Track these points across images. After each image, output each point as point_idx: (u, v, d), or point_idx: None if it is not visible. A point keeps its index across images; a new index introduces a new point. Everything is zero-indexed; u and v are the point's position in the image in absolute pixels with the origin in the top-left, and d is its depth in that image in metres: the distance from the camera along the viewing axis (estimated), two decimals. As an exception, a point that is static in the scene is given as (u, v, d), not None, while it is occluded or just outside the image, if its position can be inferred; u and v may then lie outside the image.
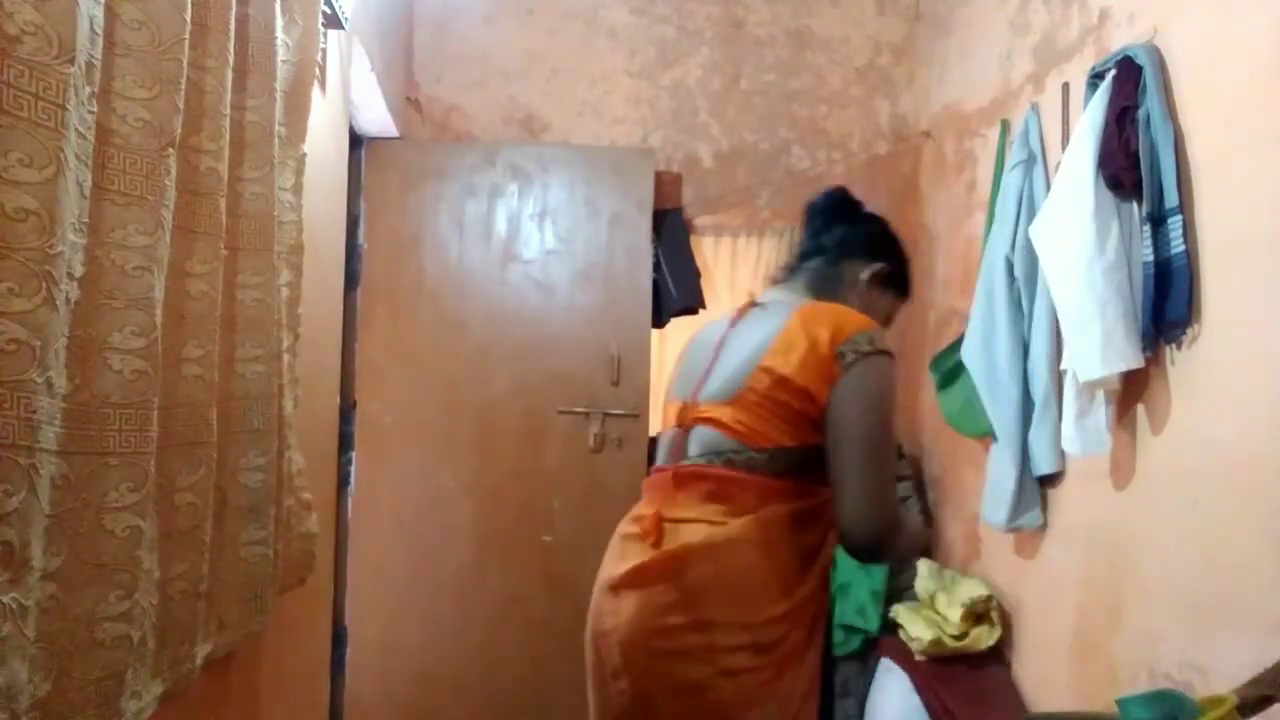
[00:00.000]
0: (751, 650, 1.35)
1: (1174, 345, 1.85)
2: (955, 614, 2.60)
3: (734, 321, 1.58)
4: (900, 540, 1.41)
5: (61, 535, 1.04)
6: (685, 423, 1.51)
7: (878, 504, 1.36)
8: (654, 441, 3.22)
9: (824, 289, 1.60)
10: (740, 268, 3.54)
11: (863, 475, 1.36)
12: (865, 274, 1.61)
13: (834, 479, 1.39)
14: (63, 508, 1.04)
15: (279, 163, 1.62)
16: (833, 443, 1.39)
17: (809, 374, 1.39)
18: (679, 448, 1.51)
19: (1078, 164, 1.98)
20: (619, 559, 1.46)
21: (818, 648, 1.47)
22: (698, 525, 1.40)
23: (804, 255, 1.66)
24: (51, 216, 0.95)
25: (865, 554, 1.39)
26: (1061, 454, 2.26)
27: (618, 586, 1.42)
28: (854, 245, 1.64)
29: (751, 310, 1.58)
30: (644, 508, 1.51)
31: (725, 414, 1.45)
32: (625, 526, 1.53)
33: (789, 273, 1.66)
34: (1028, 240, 2.26)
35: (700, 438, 1.48)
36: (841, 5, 3.63)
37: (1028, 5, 2.62)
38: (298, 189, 1.76)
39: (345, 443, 3.06)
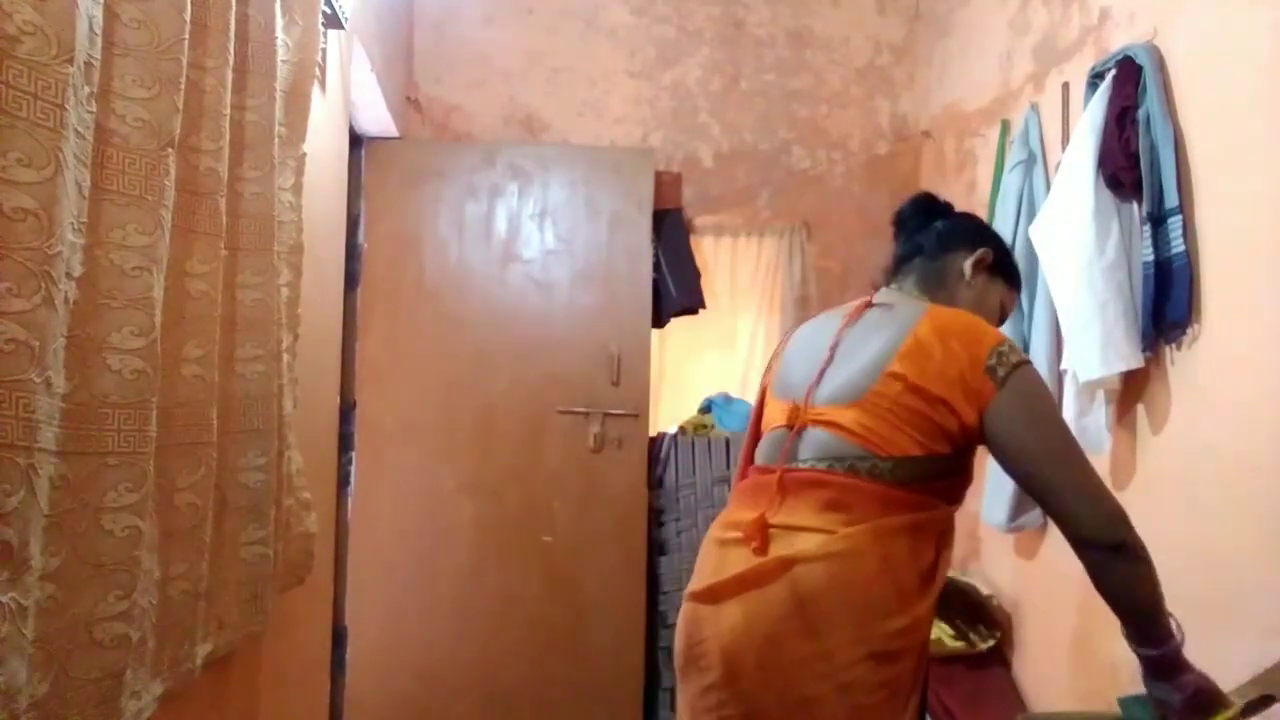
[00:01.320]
0: (870, 663, 1.28)
1: (1174, 345, 1.85)
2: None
3: (850, 320, 1.49)
4: (1141, 552, 1.30)
5: (60, 535, 1.04)
6: (796, 424, 1.42)
7: (1096, 498, 1.29)
8: (655, 441, 3.24)
9: (932, 285, 1.54)
10: (740, 268, 3.54)
11: (1072, 483, 1.29)
12: (969, 263, 1.55)
13: (1040, 495, 1.33)
14: (62, 508, 1.04)
15: (279, 163, 1.62)
16: (1015, 464, 1.33)
17: (948, 386, 1.32)
18: (787, 450, 1.42)
19: (1078, 164, 1.98)
20: (717, 566, 1.39)
21: (922, 680, 1.40)
22: (812, 534, 1.32)
23: (903, 258, 1.60)
24: (50, 216, 0.94)
25: (1109, 550, 1.28)
26: (1061, 454, 2.25)
27: (720, 594, 1.34)
28: (952, 238, 1.58)
29: (869, 311, 1.50)
30: (742, 512, 1.42)
31: (847, 418, 1.37)
32: (720, 532, 1.45)
33: (891, 275, 1.60)
34: (1028, 240, 2.26)
35: (815, 441, 1.40)
36: (841, 5, 3.63)
37: (1028, 5, 2.62)
38: (297, 189, 1.75)
39: (345, 443, 3.05)
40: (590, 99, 3.56)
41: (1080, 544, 1.30)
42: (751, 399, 3.40)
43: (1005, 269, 1.61)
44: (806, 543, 1.32)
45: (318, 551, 2.03)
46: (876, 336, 1.42)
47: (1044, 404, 1.36)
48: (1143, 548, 1.29)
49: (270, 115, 1.56)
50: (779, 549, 1.33)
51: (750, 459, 1.61)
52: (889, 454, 1.34)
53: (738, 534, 1.38)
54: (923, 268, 1.56)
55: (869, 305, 1.51)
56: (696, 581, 1.42)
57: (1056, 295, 2.08)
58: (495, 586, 3.19)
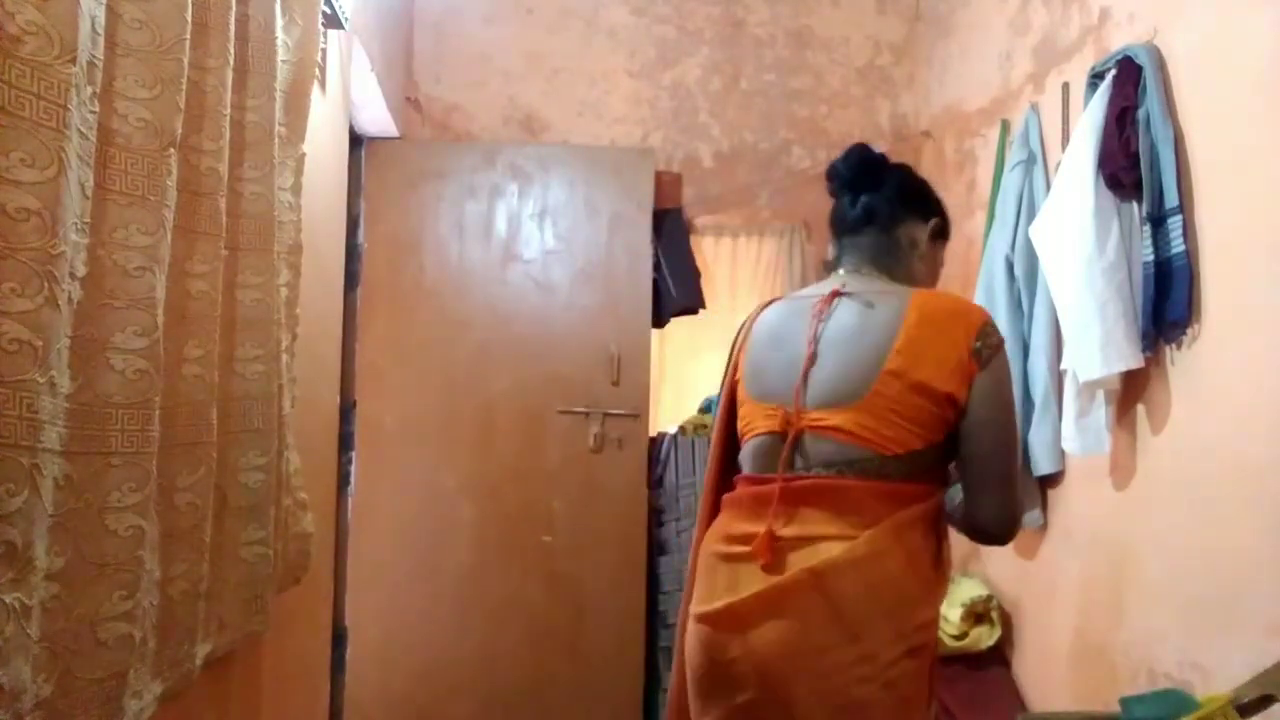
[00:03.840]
0: (908, 657, 1.32)
1: (1174, 345, 1.85)
2: (955, 614, 2.60)
3: (820, 313, 1.45)
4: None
5: (64, 535, 1.04)
6: (792, 431, 1.39)
7: (1015, 503, 1.39)
8: (655, 441, 3.24)
9: (888, 260, 1.51)
10: (740, 268, 3.54)
11: (1005, 476, 1.37)
12: (924, 234, 1.54)
13: (972, 478, 1.37)
14: (66, 508, 1.04)
15: (279, 163, 1.62)
16: (975, 443, 1.36)
17: (950, 377, 1.34)
18: (785, 459, 1.39)
19: (1078, 164, 1.98)
20: (729, 584, 1.36)
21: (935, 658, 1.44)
22: (834, 542, 1.31)
23: (852, 228, 1.54)
24: (53, 216, 0.95)
25: (995, 539, 1.41)
26: (1061, 454, 2.26)
27: (745, 615, 1.32)
28: (906, 206, 1.54)
29: (840, 301, 1.45)
30: (741, 524, 1.40)
31: (848, 421, 1.35)
32: (723, 546, 1.42)
33: (840, 249, 1.56)
34: (1028, 240, 2.26)
35: (816, 447, 1.38)
36: (841, 5, 3.63)
37: (1028, 5, 2.62)
38: (297, 189, 1.75)
39: (345, 443, 3.05)
40: (590, 99, 3.56)
41: (975, 529, 1.40)
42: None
43: (946, 229, 1.61)
44: (830, 551, 1.31)
45: (317, 551, 2.03)
46: (863, 333, 1.39)
47: (1010, 392, 1.40)
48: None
49: (270, 115, 1.56)
50: (801, 560, 1.32)
51: (722, 463, 1.57)
52: (894, 452, 1.34)
53: (744, 548, 1.36)
54: (875, 240, 1.52)
55: (838, 295, 1.46)
56: (707, 601, 1.39)
57: (1056, 295, 2.08)
58: (495, 586, 3.19)
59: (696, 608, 1.41)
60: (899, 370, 1.34)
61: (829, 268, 1.58)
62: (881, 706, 1.29)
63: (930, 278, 1.58)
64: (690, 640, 1.41)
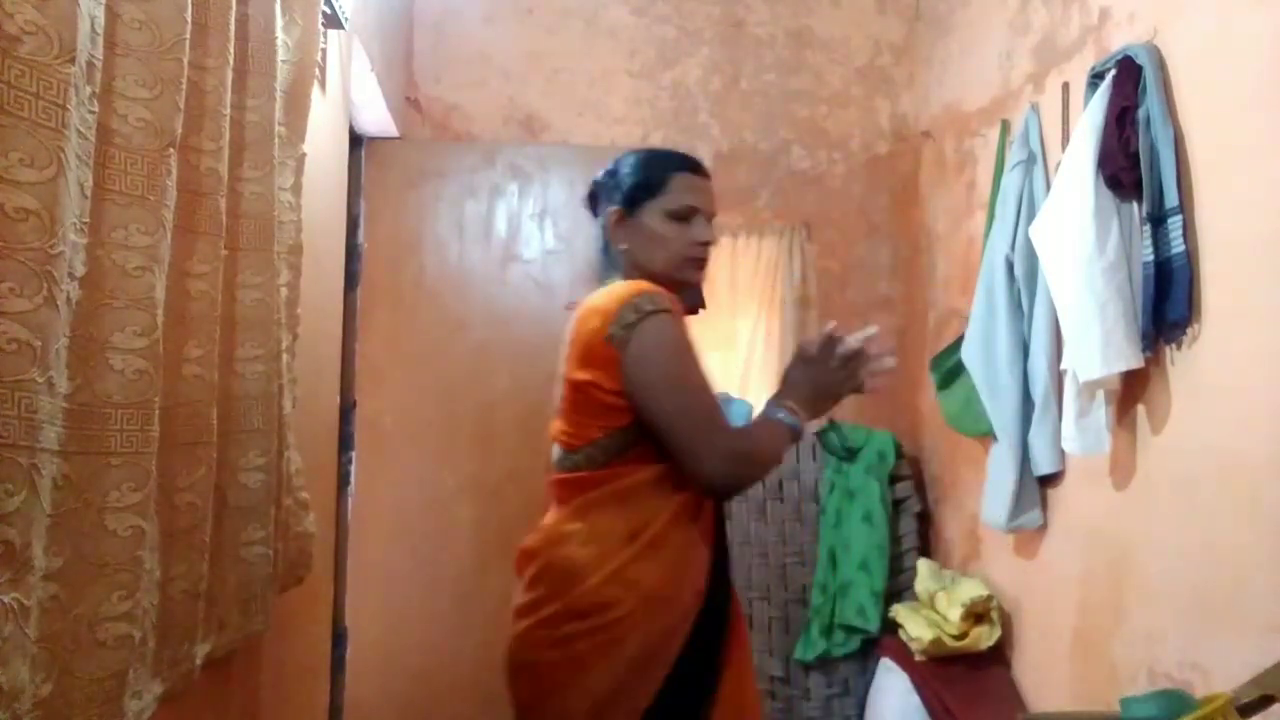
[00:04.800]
0: (578, 619, 1.44)
1: (1174, 345, 1.85)
2: (955, 614, 2.60)
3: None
4: (760, 453, 1.45)
5: (63, 535, 1.04)
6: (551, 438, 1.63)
7: (708, 445, 1.41)
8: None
9: (610, 267, 1.61)
10: (740, 268, 3.54)
11: (680, 426, 1.41)
12: (613, 218, 1.60)
13: (670, 448, 1.44)
14: (65, 508, 1.04)
15: (279, 163, 1.62)
16: (646, 417, 1.44)
17: (587, 365, 1.46)
18: (548, 464, 1.64)
19: (1078, 164, 1.98)
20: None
21: (663, 622, 1.46)
22: (539, 533, 1.57)
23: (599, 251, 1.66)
24: (52, 216, 0.94)
25: (734, 489, 1.48)
26: (1061, 454, 2.26)
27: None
28: (596, 210, 1.66)
29: (571, 314, 1.61)
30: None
31: (553, 426, 1.60)
32: None
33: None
34: (1028, 240, 2.26)
35: (553, 453, 1.62)
36: (841, 5, 3.63)
37: (1028, 5, 2.62)
38: (297, 189, 1.75)
39: (345, 443, 3.05)
40: (590, 99, 3.56)
41: (709, 491, 1.47)
42: (752, 399, 3.41)
43: (644, 196, 1.57)
44: (532, 541, 1.56)
45: (318, 552, 2.03)
46: (566, 343, 1.56)
47: (666, 353, 1.43)
48: (757, 463, 1.45)
49: (270, 115, 1.56)
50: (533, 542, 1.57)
51: None
52: (578, 447, 1.52)
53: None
54: (599, 255, 1.64)
55: (574, 307, 1.60)
56: None
57: (1056, 295, 2.08)
58: (495, 586, 3.18)
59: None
60: (563, 372, 1.53)
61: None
62: (549, 665, 1.45)
63: (647, 258, 1.57)
64: None
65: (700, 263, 1.60)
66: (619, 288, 1.50)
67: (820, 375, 1.50)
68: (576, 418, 1.52)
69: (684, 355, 1.45)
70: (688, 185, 1.58)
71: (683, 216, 1.57)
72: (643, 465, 1.48)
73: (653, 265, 1.56)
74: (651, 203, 1.58)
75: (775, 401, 1.50)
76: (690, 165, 1.62)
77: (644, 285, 1.48)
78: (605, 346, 1.44)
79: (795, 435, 1.48)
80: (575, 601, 1.45)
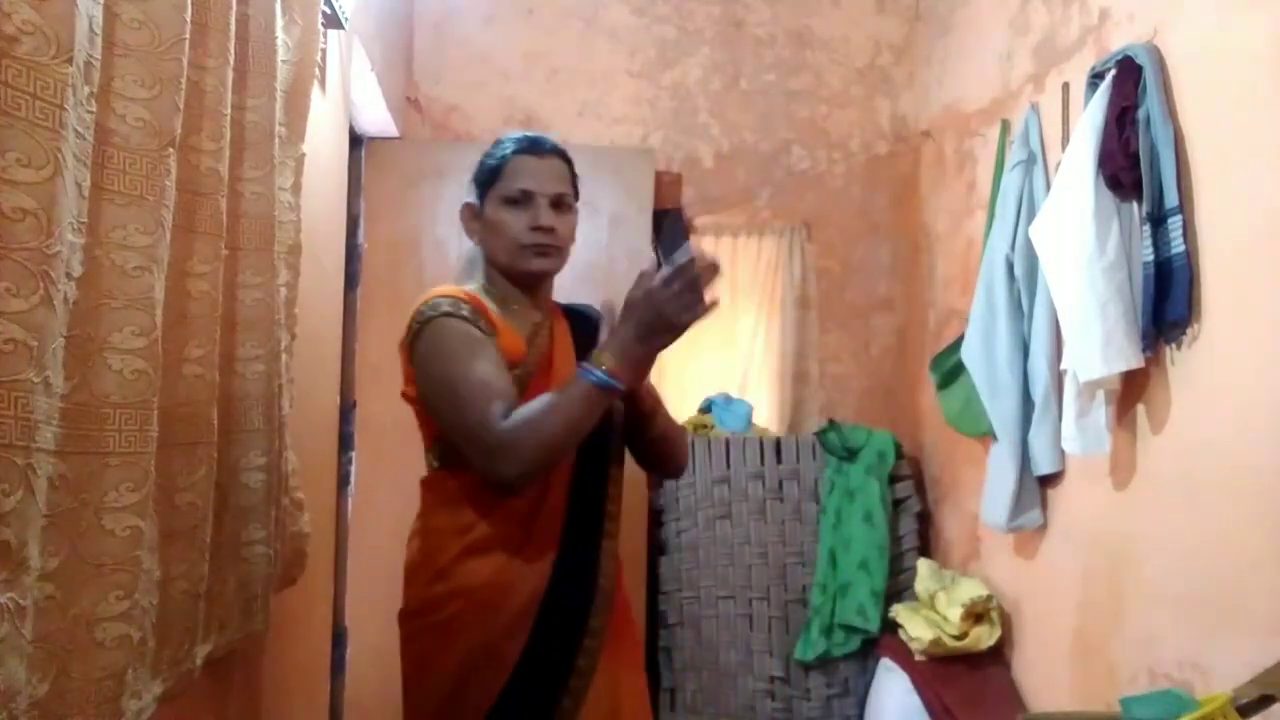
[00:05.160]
0: (409, 616, 1.53)
1: (1174, 345, 1.85)
2: (955, 614, 2.60)
3: None
4: (549, 433, 1.33)
5: (60, 535, 1.04)
6: None
7: (479, 446, 1.36)
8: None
9: (467, 270, 1.63)
10: (740, 268, 3.53)
11: (456, 430, 1.41)
12: (462, 220, 1.60)
13: (461, 449, 1.43)
14: (61, 508, 1.03)
15: (279, 163, 1.62)
16: (437, 419, 1.47)
17: (403, 375, 1.53)
18: None
19: (1078, 164, 1.98)
20: None
21: (496, 622, 1.45)
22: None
23: None
24: (49, 216, 0.94)
25: (529, 478, 1.36)
26: (1061, 454, 2.26)
27: None
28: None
29: None
30: None
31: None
32: None
33: None
34: (1028, 240, 2.26)
35: None
36: (841, 5, 3.63)
37: (1028, 5, 2.62)
38: (297, 189, 1.75)
39: (345, 443, 3.05)
40: (590, 99, 3.56)
41: (500, 487, 1.40)
42: (752, 399, 3.41)
43: (486, 186, 1.55)
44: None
45: (317, 552, 2.03)
46: None
47: (436, 355, 1.43)
48: (544, 446, 1.33)
49: (270, 115, 1.56)
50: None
51: None
52: (426, 447, 1.59)
53: None
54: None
55: None
56: None
57: (1057, 295, 2.08)
58: (495, 586, 3.19)
59: None
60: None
61: None
62: (403, 660, 1.53)
63: (495, 251, 1.54)
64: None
65: (540, 248, 1.49)
66: (425, 295, 1.51)
67: (664, 305, 1.28)
68: (421, 423, 1.57)
69: (451, 359, 1.40)
70: (522, 168, 1.51)
71: (517, 201, 1.50)
72: (455, 472, 1.52)
73: (496, 258, 1.53)
74: (492, 191, 1.53)
75: (589, 361, 1.34)
76: (526, 146, 1.53)
77: (440, 290, 1.49)
78: (402, 356, 1.50)
79: (610, 391, 1.32)
80: (410, 601, 1.52)
